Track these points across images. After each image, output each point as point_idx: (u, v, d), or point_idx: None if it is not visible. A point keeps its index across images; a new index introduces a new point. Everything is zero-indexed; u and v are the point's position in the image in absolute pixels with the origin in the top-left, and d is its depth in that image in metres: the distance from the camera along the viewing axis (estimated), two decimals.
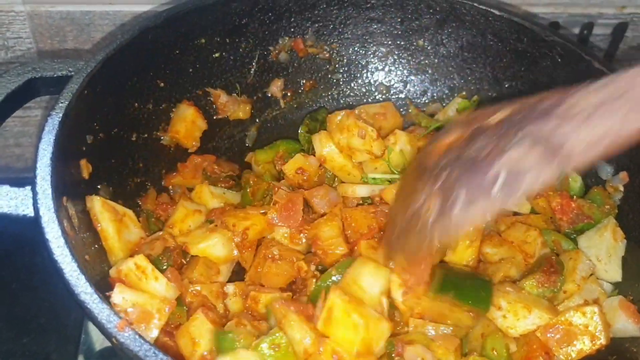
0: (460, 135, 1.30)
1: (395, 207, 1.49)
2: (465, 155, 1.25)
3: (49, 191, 1.25)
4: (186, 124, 1.77)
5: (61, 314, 1.84)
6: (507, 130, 1.22)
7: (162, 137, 1.76)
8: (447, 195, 1.24)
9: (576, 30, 2.16)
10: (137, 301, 1.29)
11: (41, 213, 1.22)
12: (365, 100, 2.03)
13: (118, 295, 1.27)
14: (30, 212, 1.27)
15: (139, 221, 1.55)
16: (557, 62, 1.76)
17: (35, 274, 1.92)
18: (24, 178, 1.32)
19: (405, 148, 1.73)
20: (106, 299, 1.15)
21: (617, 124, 1.12)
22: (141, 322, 1.28)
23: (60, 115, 1.38)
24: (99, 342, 1.78)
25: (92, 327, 1.81)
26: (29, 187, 1.29)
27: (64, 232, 1.20)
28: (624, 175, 1.65)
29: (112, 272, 1.36)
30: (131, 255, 1.40)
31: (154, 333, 1.29)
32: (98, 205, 1.44)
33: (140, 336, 1.07)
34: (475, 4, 1.81)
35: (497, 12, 1.79)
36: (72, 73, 1.51)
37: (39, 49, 2.02)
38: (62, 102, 1.40)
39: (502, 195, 1.18)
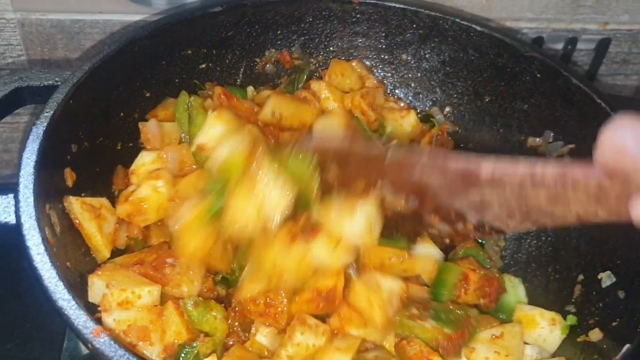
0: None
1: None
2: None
3: (31, 199, 1.27)
4: (166, 112, 1.77)
5: (46, 321, 1.84)
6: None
7: (142, 142, 1.75)
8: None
9: (560, 45, 2.19)
10: (129, 318, 1.30)
11: (22, 220, 1.24)
12: None
13: (108, 318, 1.29)
14: (12, 219, 1.29)
15: (113, 207, 1.56)
16: (536, 78, 1.78)
17: (21, 281, 1.91)
18: (10, 184, 1.34)
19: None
20: (84, 306, 1.17)
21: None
22: (142, 339, 1.29)
23: (45, 124, 1.40)
24: (84, 348, 1.79)
25: None
26: (11, 195, 1.31)
27: (44, 240, 1.22)
28: None
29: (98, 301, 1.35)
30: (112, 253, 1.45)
31: (157, 348, 1.31)
32: (77, 206, 1.45)
33: (115, 342, 1.09)
34: (457, 20, 1.82)
35: (478, 28, 1.81)
36: (59, 83, 1.53)
37: (29, 56, 2.04)
38: (47, 112, 1.42)
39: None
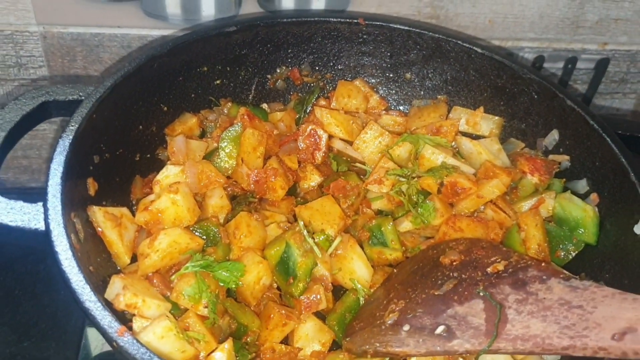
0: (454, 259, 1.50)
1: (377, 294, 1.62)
2: (433, 287, 1.45)
3: (59, 208, 1.35)
4: (183, 127, 1.84)
5: (61, 321, 1.92)
6: (479, 279, 1.42)
7: (160, 154, 1.83)
8: (404, 311, 1.42)
9: (560, 64, 2.25)
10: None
11: (51, 228, 1.32)
12: None
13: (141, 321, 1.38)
14: (41, 226, 1.36)
15: (133, 215, 1.63)
16: (533, 99, 1.84)
17: (38, 282, 2.01)
18: (32, 189, 1.42)
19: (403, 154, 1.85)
20: (109, 306, 1.25)
21: (550, 333, 1.24)
22: None
23: (71, 137, 1.47)
24: (98, 347, 1.86)
25: (90, 334, 1.89)
26: (40, 203, 1.39)
27: (71, 246, 1.30)
28: (594, 197, 1.71)
29: (111, 299, 1.41)
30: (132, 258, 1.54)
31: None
32: (100, 215, 1.53)
33: (138, 341, 1.17)
34: (459, 42, 1.88)
35: (479, 50, 1.86)
36: (83, 97, 1.61)
37: (50, 67, 2.11)
38: (72, 125, 1.50)
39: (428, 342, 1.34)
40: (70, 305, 1.92)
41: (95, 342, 1.88)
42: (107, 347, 1.84)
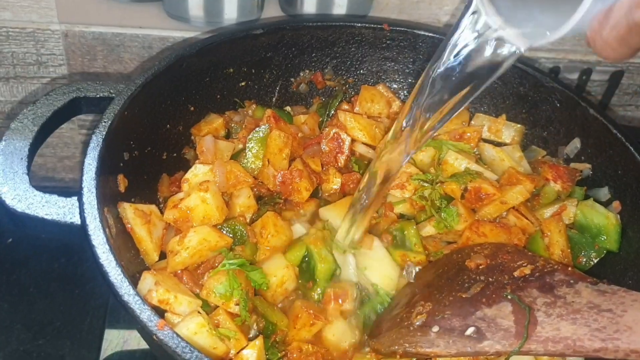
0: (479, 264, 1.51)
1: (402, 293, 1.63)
2: (460, 290, 1.46)
3: (94, 202, 1.35)
4: (209, 127, 1.85)
5: (76, 319, 1.92)
6: (506, 282, 1.43)
7: (186, 153, 1.85)
8: (432, 313, 1.43)
9: (575, 75, 2.28)
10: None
11: (88, 222, 1.33)
12: None
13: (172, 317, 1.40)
14: (76, 220, 1.36)
15: (161, 212, 1.64)
16: (555, 107, 1.86)
17: (52, 280, 2.01)
18: (46, 187, 1.43)
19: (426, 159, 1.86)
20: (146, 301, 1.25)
21: (581, 335, 1.25)
22: None
23: (104, 133, 1.48)
24: (119, 345, 1.86)
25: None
26: (75, 198, 1.39)
27: (107, 239, 1.30)
28: (616, 204, 1.73)
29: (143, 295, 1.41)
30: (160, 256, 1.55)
31: None
32: (130, 212, 1.54)
33: (177, 334, 1.18)
34: None
35: None
36: (113, 95, 1.62)
37: (70, 66, 2.13)
38: (105, 122, 1.51)
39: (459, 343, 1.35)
40: (86, 303, 1.95)
41: (114, 341, 1.87)
42: (126, 347, 1.85)
